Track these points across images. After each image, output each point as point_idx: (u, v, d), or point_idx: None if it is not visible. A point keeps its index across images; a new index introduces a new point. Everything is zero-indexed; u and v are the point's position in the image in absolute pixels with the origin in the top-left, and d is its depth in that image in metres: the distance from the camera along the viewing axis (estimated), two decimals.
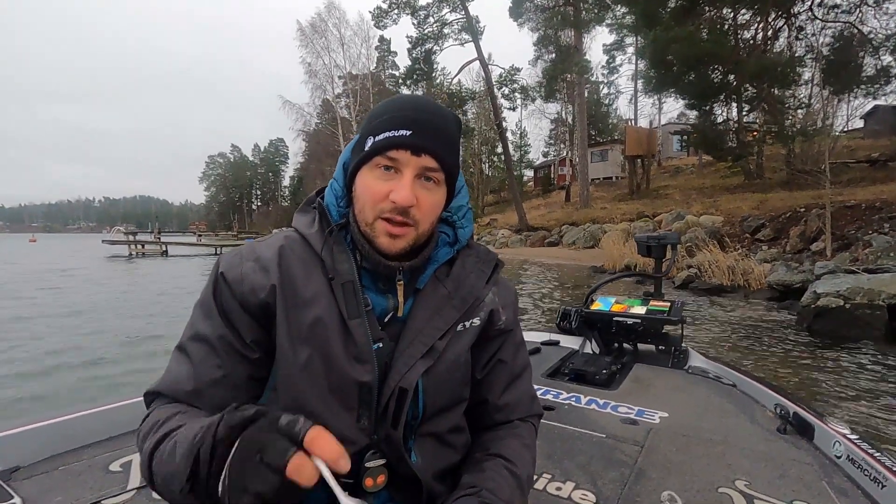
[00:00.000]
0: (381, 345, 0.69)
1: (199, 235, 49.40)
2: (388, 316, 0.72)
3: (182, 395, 0.66)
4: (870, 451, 1.16)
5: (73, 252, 30.76)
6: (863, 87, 14.13)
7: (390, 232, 0.67)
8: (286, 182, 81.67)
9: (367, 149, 0.67)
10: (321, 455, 0.45)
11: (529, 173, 43.94)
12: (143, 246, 27.40)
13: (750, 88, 16.03)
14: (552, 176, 35.80)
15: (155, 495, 1.14)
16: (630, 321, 2.24)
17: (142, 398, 1.34)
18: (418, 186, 0.67)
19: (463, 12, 24.81)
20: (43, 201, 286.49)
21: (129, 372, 4.67)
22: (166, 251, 27.18)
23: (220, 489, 0.47)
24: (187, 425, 0.57)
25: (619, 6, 19.62)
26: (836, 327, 5.58)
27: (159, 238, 30.82)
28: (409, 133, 0.65)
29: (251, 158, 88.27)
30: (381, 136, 0.66)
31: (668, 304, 2.24)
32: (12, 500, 1.00)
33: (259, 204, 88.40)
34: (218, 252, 27.74)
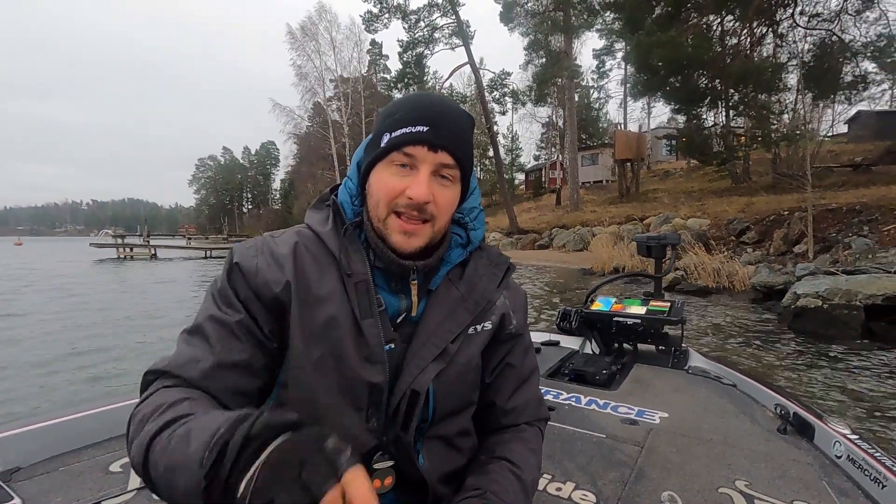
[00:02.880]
0: (392, 346, 0.68)
1: (189, 238, 49.00)
2: (401, 317, 0.71)
3: (195, 375, 0.62)
4: (870, 451, 1.16)
5: (60, 255, 30.34)
6: (842, 93, 14.44)
7: (404, 229, 0.67)
8: (277, 185, 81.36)
9: (383, 145, 0.67)
10: (354, 501, 0.40)
11: (521, 177, 44.17)
12: (131, 249, 27.10)
13: (734, 94, 16.29)
14: (543, 179, 36.03)
15: (156, 497, 1.15)
16: (630, 321, 2.23)
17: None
18: (434, 183, 0.67)
19: (453, 17, 24.92)
20: (29, 204, 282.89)
21: None
22: (155, 254, 26.92)
23: (240, 489, 0.40)
24: (201, 415, 0.52)
25: (608, 12, 19.90)
26: (815, 327, 5.72)
27: (148, 241, 30.56)
28: (426, 129, 0.65)
29: (242, 161, 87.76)
30: (397, 133, 0.66)
31: (668, 304, 2.23)
32: (12, 501, 1.00)
33: (250, 207, 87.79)
34: (208, 255, 27.55)
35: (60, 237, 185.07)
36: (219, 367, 0.63)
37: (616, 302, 2.38)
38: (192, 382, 0.62)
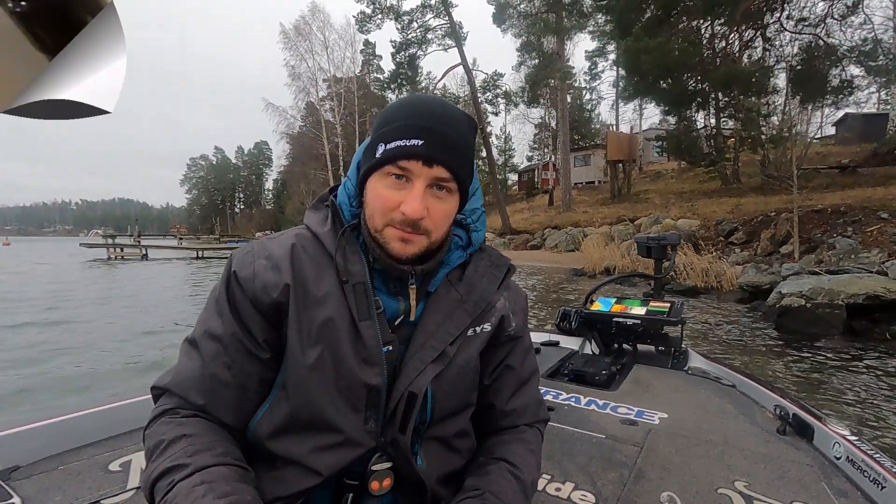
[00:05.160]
0: (390, 347, 0.68)
1: (180, 239, 48.53)
2: (399, 319, 0.71)
3: (194, 397, 0.66)
4: (869, 452, 1.17)
5: (48, 256, 30.00)
6: (828, 96, 14.68)
7: (401, 237, 0.66)
8: (269, 185, 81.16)
9: (377, 156, 0.66)
10: None
11: (514, 177, 44.29)
12: (121, 249, 26.83)
13: (721, 96, 16.50)
14: (536, 180, 36.17)
15: None
16: (630, 322, 2.22)
17: (141, 398, 1.36)
18: (430, 196, 0.66)
19: (446, 18, 24.98)
20: (17, 203, 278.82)
21: None
22: (146, 255, 26.69)
23: None
24: (186, 478, 0.57)
25: (599, 14, 20.08)
26: (799, 325, 5.84)
27: (139, 241, 30.30)
28: (420, 143, 0.63)
29: (234, 161, 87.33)
30: (392, 145, 0.64)
31: (668, 304, 2.23)
32: (11, 500, 1.01)
33: (242, 207, 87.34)
34: (199, 255, 27.37)
35: (49, 237, 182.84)
36: (215, 386, 0.66)
37: (616, 302, 2.38)
38: (192, 403, 0.66)
